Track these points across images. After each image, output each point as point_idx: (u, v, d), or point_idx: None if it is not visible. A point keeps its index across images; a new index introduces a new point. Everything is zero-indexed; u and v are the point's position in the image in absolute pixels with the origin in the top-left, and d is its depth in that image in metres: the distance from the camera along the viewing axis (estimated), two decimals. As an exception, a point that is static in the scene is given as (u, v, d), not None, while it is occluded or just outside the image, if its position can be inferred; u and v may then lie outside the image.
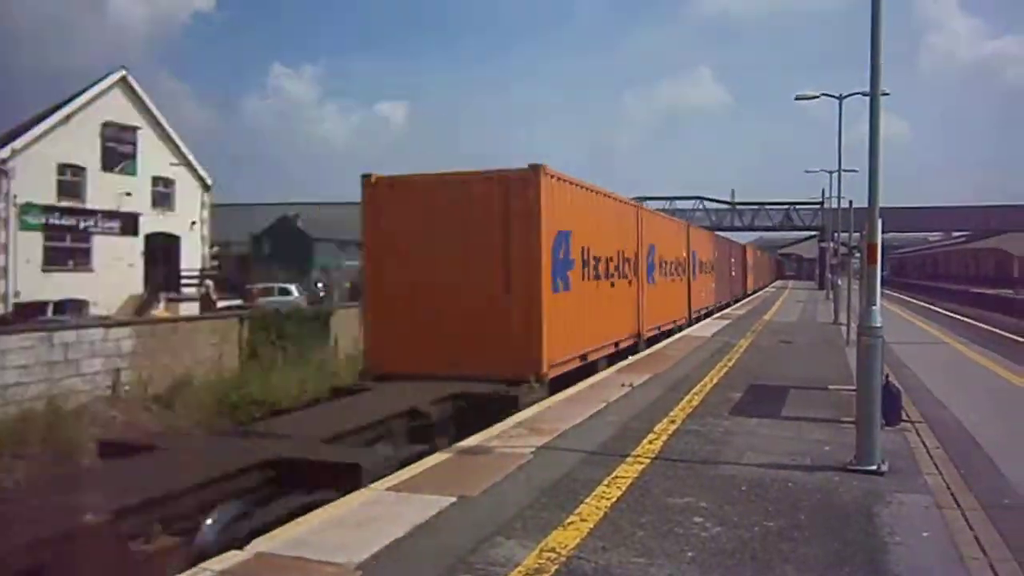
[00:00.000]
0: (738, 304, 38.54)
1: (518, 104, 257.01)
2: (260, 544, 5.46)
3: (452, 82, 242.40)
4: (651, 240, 18.60)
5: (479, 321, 11.25)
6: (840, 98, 28.58)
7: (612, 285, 15.10)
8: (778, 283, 74.82)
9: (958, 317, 34.11)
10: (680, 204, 71.35)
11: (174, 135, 38.17)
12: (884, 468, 7.39)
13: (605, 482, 6.96)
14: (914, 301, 48.07)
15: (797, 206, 67.10)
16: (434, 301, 11.41)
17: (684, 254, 23.82)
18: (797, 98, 30.15)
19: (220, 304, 32.13)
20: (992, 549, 5.55)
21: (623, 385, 12.43)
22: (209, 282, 34.35)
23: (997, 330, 27.37)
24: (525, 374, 10.97)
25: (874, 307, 7.68)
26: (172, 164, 37.95)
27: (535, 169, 11.20)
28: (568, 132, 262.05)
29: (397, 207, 11.81)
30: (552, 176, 11.55)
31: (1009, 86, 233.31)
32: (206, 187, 40.05)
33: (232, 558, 5.19)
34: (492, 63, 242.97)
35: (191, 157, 39.09)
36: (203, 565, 5.12)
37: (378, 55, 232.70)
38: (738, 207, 70.18)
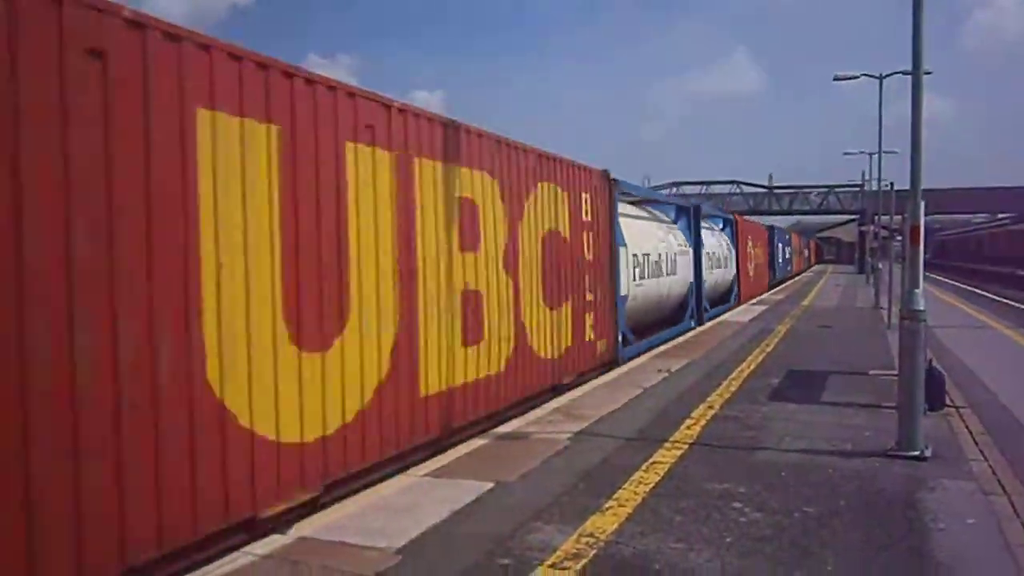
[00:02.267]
0: (776, 289, 38.13)
1: (554, 93, 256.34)
2: (301, 528, 5.56)
3: (489, 72, 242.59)
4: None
5: None
6: (880, 78, 27.98)
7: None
8: (817, 267, 73.82)
9: (1003, 300, 33.39)
10: (717, 188, 70.86)
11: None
12: (927, 454, 7.29)
13: (643, 468, 6.96)
14: (957, 284, 47.16)
15: (836, 189, 66.04)
16: None
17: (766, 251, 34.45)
18: (836, 78, 29.48)
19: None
20: (1039, 536, 5.45)
21: (660, 371, 12.40)
22: None
23: (1044, 313, 26.79)
24: None
25: (917, 290, 7.56)
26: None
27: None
28: (604, 118, 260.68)
29: None
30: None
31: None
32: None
33: (275, 542, 5.29)
34: (528, 53, 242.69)
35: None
36: (246, 549, 5.22)
37: (412, 44, 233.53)
38: (776, 191, 69.29)
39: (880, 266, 27.42)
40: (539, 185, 10.25)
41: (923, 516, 5.80)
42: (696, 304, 20.05)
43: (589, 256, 12.01)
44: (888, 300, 20.06)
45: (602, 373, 12.25)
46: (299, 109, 5.92)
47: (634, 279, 14.64)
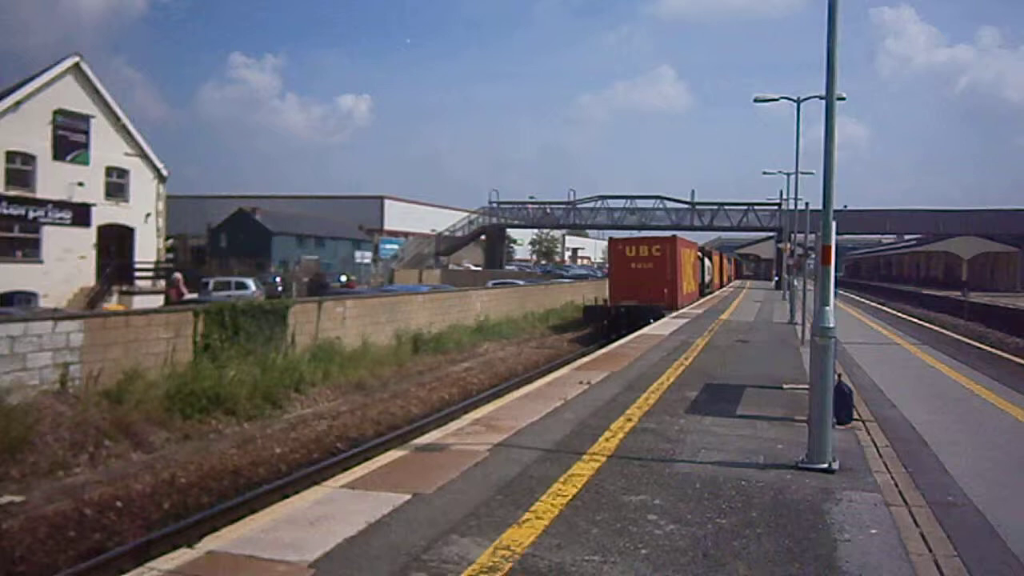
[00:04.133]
0: (696, 304, 39.01)
1: (479, 101, 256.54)
2: (210, 542, 5.38)
3: (414, 78, 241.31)
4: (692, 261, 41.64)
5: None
6: (798, 101, 28.87)
7: (686, 281, 36.62)
8: (736, 282, 75.75)
9: (909, 318, 34.88)
10: (641, 203, 72.07)
11: (129, 124, 37.35)
12: (835, 466, 7.51)
13: (561, 479, 6.98)
14: (868, 302, 49.03)
15: (756, 207, 67.95)
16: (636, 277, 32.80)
17: (695, 265, 42.48)
18: (756, 100, 30.43)
19: (187, 297, 31.44)
20: (937, 545, 5.67)
21: (581, 383, 12.48)
22: (178, 275, 33.57)
23: (945, 331, 28.05)
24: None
25: (827, 308, 7.78)
26: (127, 154, 37.14)
27: (674, 239, 35.93)
28: (527, 130, 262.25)
29: (620, 247, 34.75)
30: (687, 246, 39.00)
31: (961, 92, 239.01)
32: (162, 178, 39.29)
33: (181, 556, 5.10)
34: (454, 60, 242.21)
35: (146, 147, 38.31)
36: (151, 564, 5.02)
37: (339, 46, 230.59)
38: (697, 207, 70.88)
39: (796, 283, 28.29)
40: (689, 251, 39.45)
41: (830, 527, 5.97)
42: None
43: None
44: (803, 316, 20.69)
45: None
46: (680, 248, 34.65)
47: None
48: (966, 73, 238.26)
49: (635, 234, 58.38)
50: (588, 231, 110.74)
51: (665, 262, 32.61)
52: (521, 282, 48.80)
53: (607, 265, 45.73)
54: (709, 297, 45.45)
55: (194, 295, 32.44)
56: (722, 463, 7.74)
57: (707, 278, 49.15)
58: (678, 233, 46.99)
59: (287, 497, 6.93)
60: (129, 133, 37.35)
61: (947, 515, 6.45)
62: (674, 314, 29.78)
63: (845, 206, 63.03)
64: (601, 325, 31.85)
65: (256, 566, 4.96)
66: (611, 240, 37.08)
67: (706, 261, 49.13)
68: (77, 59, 34.50)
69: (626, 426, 9.37)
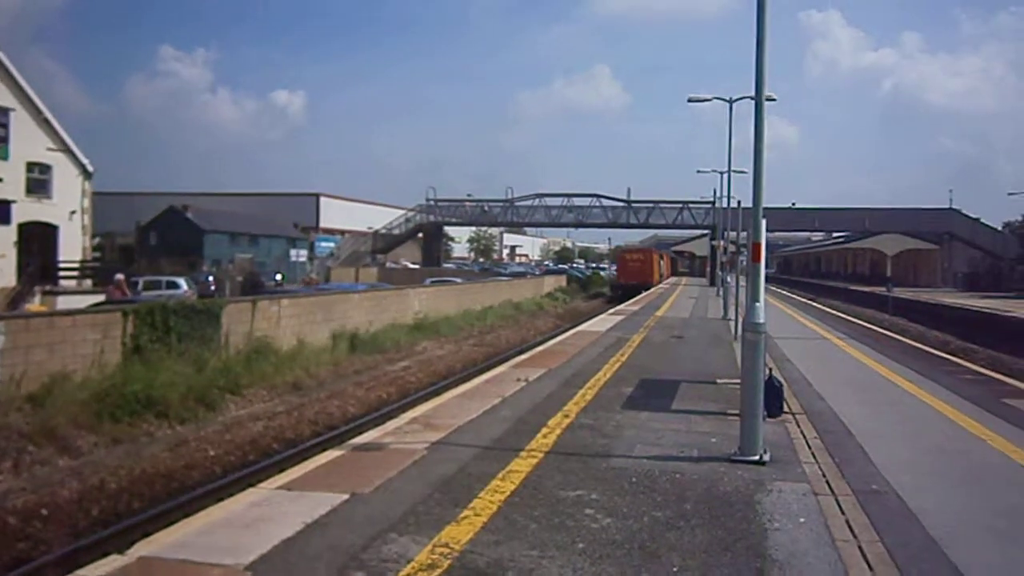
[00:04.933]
0: (632, 300, 39.51)
1: (418, 100, 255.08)
2: (142, 548, 5.27)
3: (349, 73, 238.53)
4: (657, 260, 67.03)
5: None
6: (731, 101, 29.47)
7: (657, 271, 63.89)
8: (672, 279, 77.02)
9: (837, 313, 35.96)
10: (578, 201, 72.69)
11: (52, 119, 36.05)
12: (766, 458, 7.73)
13: (499, 476, 7.02)
14: (798, 297, 50.36)
15: (690, 205, 69.14)
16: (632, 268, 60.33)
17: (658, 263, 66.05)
18: (690, 100, 30.97)
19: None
20: (861, 532, 5.90)
21: (518, 380, 12.56)
22: (121, 275, 32.48)
23: (870, 325, 29.01)
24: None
25: (758, 304, 7.99)
26: (49, 149, 35.84)
27: (650, 249, 74.28)
28: (465, 129, 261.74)
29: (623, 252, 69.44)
30: (656, 252, 69.67)
31: (885, 95, 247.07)
32: (87, 175, 38.05)
33: (112, 563, 4.99)
34: (394, 58, 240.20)
35: (70, 142, 37.04)
36: (80, 572, 4.90)
37: (272, 41, 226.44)
38: (633, 205, 71.79)
39: (729, 280, 28.89)
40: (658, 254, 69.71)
41: (761, 517, 6.14)
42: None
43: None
44: (735, 312, 21.16)
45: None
46: (654, 254, 66.77)
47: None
48: (890, 76, 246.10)
49: (614, 234, 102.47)
50: (526, 229, 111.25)
51: (648, 261, 61.37)
52: (459, 280, 48.69)
53: (612, 264, 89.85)
54: (647, 294, 46.13)
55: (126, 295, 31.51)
56: (658, 457, 7.89)
57: (661, 271, 69.87)
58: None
59: (222, 500, 6.81)
60: (52, 127, 36.04)
61: (871, 503, 6.70)
62: (610, 311, 30.15)
63: (794, 203, 68.48)
64: (615, 295, 54.41)
65: (191, 571, 4.89)
66: (619, 248, 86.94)
67: (661, 261, 70.75)
68: (-6, 49, 33.18)
69: (564, 422, 9.47)
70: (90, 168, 38.12)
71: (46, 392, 13.62)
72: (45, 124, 35.70)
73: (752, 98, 8.31)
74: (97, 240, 45.74)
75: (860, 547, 5.58)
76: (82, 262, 37.73)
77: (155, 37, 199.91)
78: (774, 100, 23.02)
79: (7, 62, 33.70)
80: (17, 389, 13.43)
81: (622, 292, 52.20)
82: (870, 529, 5.98)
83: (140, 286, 33.79)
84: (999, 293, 52.15)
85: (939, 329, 32.49)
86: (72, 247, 37.22)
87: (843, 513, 6.31)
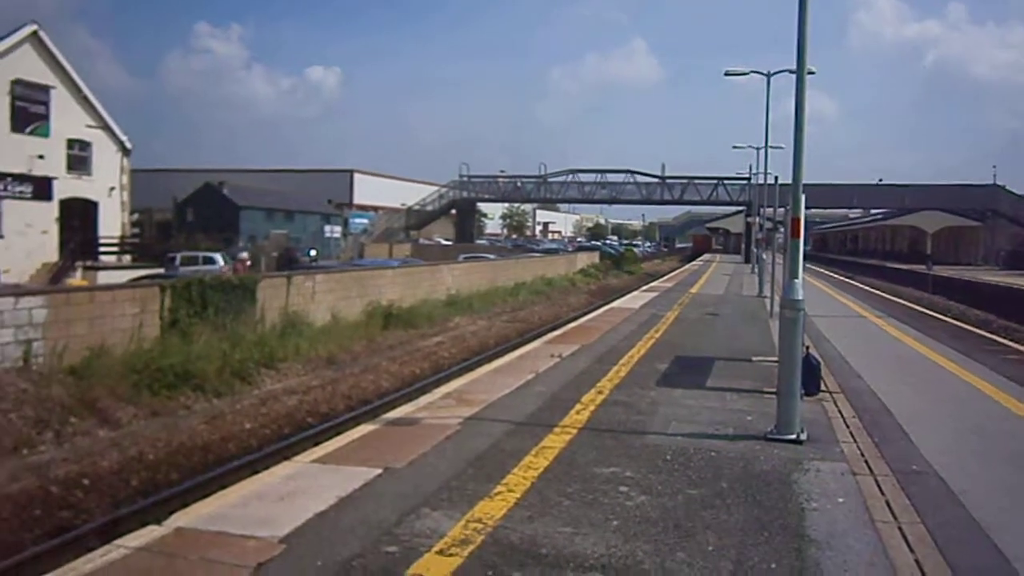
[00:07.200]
0: (666, 277, 39.20)
1: (454, 75, 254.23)
2: (179, 519, 5.33)
3: (386, 50, 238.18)
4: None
5: None
6: (768, 75, 28.89)
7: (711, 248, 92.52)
8: (706, 256, 76.29)
9: (875, 291, 35.36)
10: (611, 177, 72.08)
11: (91, 96, 36.49)
12: (803, 437, 7.61)
13: (532, 452, 6.99)
14: (835, 275, 49.62)
15: (725, 181, 68.21)
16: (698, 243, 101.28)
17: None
18: (727, 74, 30.40)
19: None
20: (901, 513, 5.78)
21: (551, 356, 12.52)
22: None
23: (910, 303, 28.50)
24: None
25: (796, 281, 7.85)
26: (89, 126, 36.34)
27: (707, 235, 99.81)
28: (499, 105, 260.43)
29: (697, 236, 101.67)
30: (711, 236, 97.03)
31: (928, 68, 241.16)
32: (125, 151, 38.56)
33: (149, 533, 5.05)
34: (430, 35, 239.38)
35: (109, 119, 37.50)
36: (118, 542, 4.96)
37: (307, 17, 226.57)
38: (667, 181, 71.03)
39: (765, 256, 28.50)
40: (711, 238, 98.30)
41: (798, 496, 6.05)
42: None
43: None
44: (771, 289, 20.89)
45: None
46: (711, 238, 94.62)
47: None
48: (934, 48, 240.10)
49: (628, 210, 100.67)
50: (559, 205, 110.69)
51: (707, 240, 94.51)
52: (492, 256, 48.66)
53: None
54: (681, 270, 45.72)
55: (160, 270, 31.98)
56: (693, 435, 7.81)
57: (711, 246, 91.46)
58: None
59: (257, 473, 6.87)
60: (91, 104, 36.52)
61: (911, 483, 6.57)
62: (644, 287, 29.93)
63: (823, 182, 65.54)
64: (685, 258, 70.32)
65: (226, 542, 4.92)
66: (694, 233, 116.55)
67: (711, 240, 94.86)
68: (35, 27, 33.58)
69: (597, 399, 9.41)
70: (128, 144, 38.59)
71: (86, 365, 13.85)
72: (84, 101, 36.17)
73: (791, 71, 8.10)
74: (135, 216, 46.37)
75: (900, 528, 5.47)
76: (122, 238, 38.32)
77: (190, 14, 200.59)
78: (813, 73, 22.51)
79: (48, 41, 34.12)
80: (59, 362, 13.68)
81: (692, 253, 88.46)
82: (911, 510, 5.86)
83: (177, 261, 34.27)
84: (1043, 271, 50.90)
85: (981, 308, 31.79)
86: (111, 223, 37.81)
87: (883, 494, 6.19)
